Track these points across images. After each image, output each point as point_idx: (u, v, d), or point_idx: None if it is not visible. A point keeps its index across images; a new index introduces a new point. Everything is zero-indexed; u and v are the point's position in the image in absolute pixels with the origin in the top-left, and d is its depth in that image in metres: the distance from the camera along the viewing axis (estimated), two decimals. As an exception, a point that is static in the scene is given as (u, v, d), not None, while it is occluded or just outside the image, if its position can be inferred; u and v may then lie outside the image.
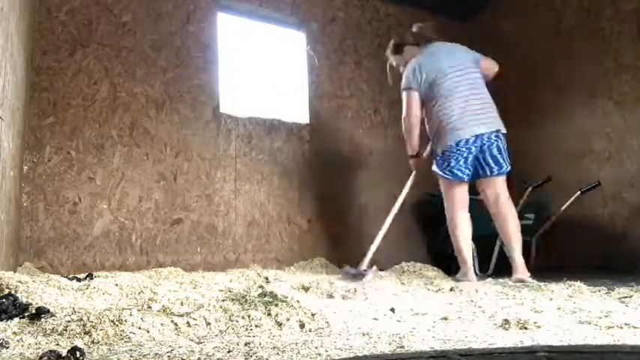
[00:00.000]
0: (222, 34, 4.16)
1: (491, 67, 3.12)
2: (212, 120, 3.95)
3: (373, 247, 3.23)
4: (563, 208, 3.89)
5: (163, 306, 1.64)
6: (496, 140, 2.90)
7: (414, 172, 3.32)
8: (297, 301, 1.50)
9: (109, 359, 1.05)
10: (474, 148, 2.89)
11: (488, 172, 2.95)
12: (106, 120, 3.54)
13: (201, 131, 3.89)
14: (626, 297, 1.99)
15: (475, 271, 3.87)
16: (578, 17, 4.36)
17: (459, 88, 2.93)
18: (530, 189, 3.79)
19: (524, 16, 4.90)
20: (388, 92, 4.90)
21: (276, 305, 1.46)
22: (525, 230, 3.95)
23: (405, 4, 5.13)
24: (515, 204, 3.77)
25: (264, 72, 4.51)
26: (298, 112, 4.47)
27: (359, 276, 2.87)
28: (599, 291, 2.27)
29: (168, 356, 1.06)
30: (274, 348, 1.13)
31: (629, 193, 3.90)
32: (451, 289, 2.43)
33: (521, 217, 3.85)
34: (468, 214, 3.05)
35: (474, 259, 3.92)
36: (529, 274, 2.83)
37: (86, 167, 3.43)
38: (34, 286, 1.73)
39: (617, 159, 4.00)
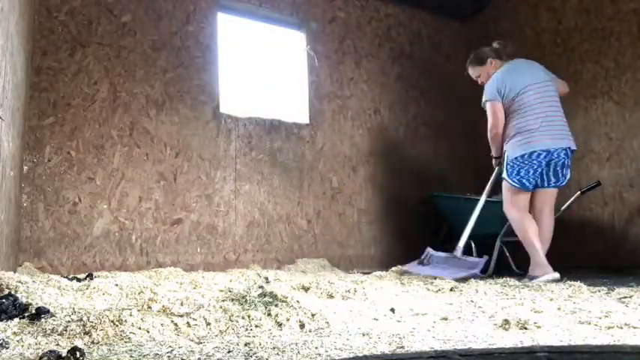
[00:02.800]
0: (222, 34, 4.16)
1: (564, 88, 3.29)
2: (212, 120, 3.95)
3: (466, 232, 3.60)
4: (563, 208, 3.88)
5: (163, 306, 1.64)
6: (564, 158, 3.06)
7: (496, 170, 3.51)
8: (297, 302, 1.50)
9: (109, 359, 1.05)
10: (544, 163, 3.05)
11: (545, 184, 3.14)
12: (106, 120, 3.54)
13: (201, 131, 3.89)
14: (626, 297, 1.99)
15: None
16: (578, 17, 4.36)
17: (538, 103, 3.10)
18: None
19: (524, 16, 4.90)
20: (388, 92, 4.91)
21: (276, 305, 1.46)
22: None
23: (405, 4, 5.13)
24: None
25: (264, 72, 4.51)
26: (298, 112, 4.47)
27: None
28: (599, 291, 2.27)
29: (168, 356, 1.06)
30: (274, 348, 1.13)
31: (629, 193, 3.90)
32: (451, 289, 2.43)
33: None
34: (530, 215, 3.17)
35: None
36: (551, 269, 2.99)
37: (86, 167, 3.43)
38: (34, 287, 1.73)
39: (617, 159, 4.00)
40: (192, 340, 1.23)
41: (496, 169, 3.51)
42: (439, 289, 2.44)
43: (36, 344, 1.16)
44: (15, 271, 2.56)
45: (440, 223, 4.57)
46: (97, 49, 3.57)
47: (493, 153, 3.40)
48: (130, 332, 1.24)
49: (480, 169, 4.98)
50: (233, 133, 4.03)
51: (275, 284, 2.55)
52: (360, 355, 1.06)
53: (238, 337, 1.26)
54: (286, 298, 1.53)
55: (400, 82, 4.99)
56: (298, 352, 1.08)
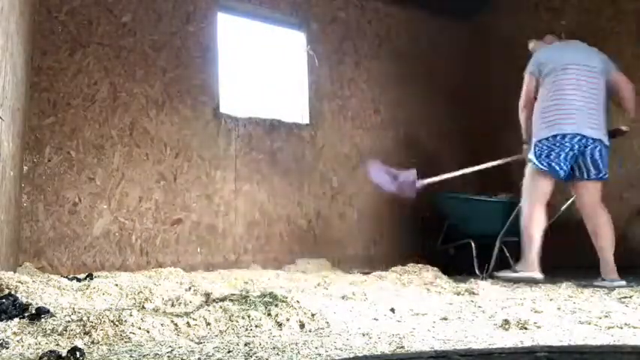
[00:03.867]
0: (222, 34, 4.16)
1: (623, 83, 3.02)
2: (212, 120, 3.94)
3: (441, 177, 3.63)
4: (563, 208, 3.88)
5: (162, 305, 1.64)
6: (600, 145, 2.87)
7: (519, 155, 3.32)
8: (297, 302, 1.51)
9: (109, 359, 1.05)
10: (576, 146, 2.84)
11: (585, 175, 2.92)
12: (106, 120, 3.54)
13: (201, 131, 3.89)
14: (626, 297, 1.99)
15: (475, 271, 3.89)
16: (578, 17, 4.36)
17: (579, 85, 2.90)
18: None
19: (524, 16, 4.89)
20: (388, 92, 4.91)
21: (276, 305, 1.46)
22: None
23: (405, 5, 5.12)
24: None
25: (264, 72, 4.50)
26: (298, 112, 4.46)
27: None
28: (599, 291, 2.27)
29: (168, 356, 1.06)
30: (274, 348, 1.13)
31: (629, 194, 3.89)
32: (453, 290, 2.43)
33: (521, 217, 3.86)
34: (545, 210, 2.98)
35: (473, 259, 3.94)
36: (618, 277, 2.80)
37: (86, 167, 3.43)
38: (34, 287, 1.73)
39: (618, 159, 3.99)
40: (192, 340, 1.23)
41: (519, 155, 3.29)
42: (439, 290, 2.44)
43: (36, 344, 1.16)
44: (15, 271, 2.55)
45: (440, 223, 4.56)
46: (97, 49, 3.57)
47: (523, 135, 3.18)
48: (130, 332, 1.24)
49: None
50: (233, 133, 4.03)
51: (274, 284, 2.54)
52: (360, 355, 1.06)
53: (238, 336, 1.26)
54: (286, 298, 1.53)
55: (400, 82, 4.99)
56: (298, 352, 1.08)
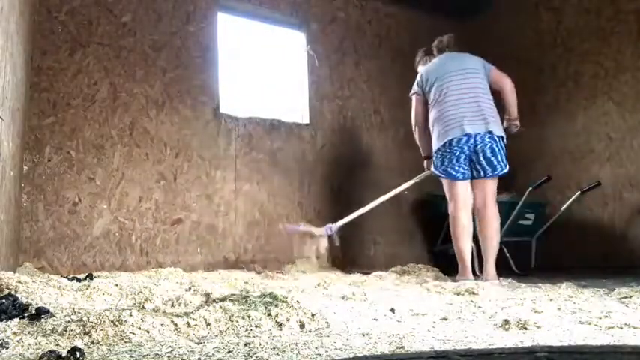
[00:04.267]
0: (222, 34, 4.16)
1: (500, 78, 3.12)
2: (212, 120, 3.94)
3: (352, 216, 3.53)
4: (563, 208, 3.89)
5: (162, 305, 1.64)
6: (490, 142, 2.93)
7: (425, 172, 3.44)
8: (297, 302, 1.50)
9: (109, 359, 1.05)
10: (466, 148, 2.93)
11: (482, 174, 3.00)
12: (106, 120, 3.54)
13: (201, 131, 3.89)
14: (626, 297, 1.99)
15: (475, 271, 3.88)
16: (578, 17, 4.36)
17: (456, 90, 3.01)
18: (529, 189, 3.79)
19: (524, 16, 4.89)
20: (388, 92, 4.90)
21: (276, 305, 1.46)
22: (525, 230, 3.97)
23: (405, 5, 5.12)
24: (514, 205, 3.77)
25: (264, 72, 4.50)
26: (298, 112, 4.46)
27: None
28: (599, 291, 2.27)
29: (168, 356, 1.06)
30: (274, 348, 1.13)
31: (629, 193, 3.90)
32: (452, 290, 2.42)
33: (521, 217, 3.87)
34: (471, 215, 3.04)
35: (473, 259, 3.93)
36: (495, 278, 2.91)
37: (86, 167, 3.43)
38: (34, 287, 1.73)
39: (617, 159, 4.00)
40: (192, 340, 1.23)
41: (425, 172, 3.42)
42: (439, 290, 2.44)
43: (36, 344, 1.16)
44: (15, 271, 2.55)
45: (440, 223, 4.56)
46: (97, 49, 3.57)
47: (422, 152, 3.37)
48: (130, 332, 1.24)
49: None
50: (233, 133, 4.03)
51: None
52: (360, 355, 1.06)
53: (238, 336, 1.26)
54: (286, 298, 1.53)
55: (400, 82, 4.97)
56: (298, 352, 1.08)
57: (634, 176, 3.86)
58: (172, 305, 1.72)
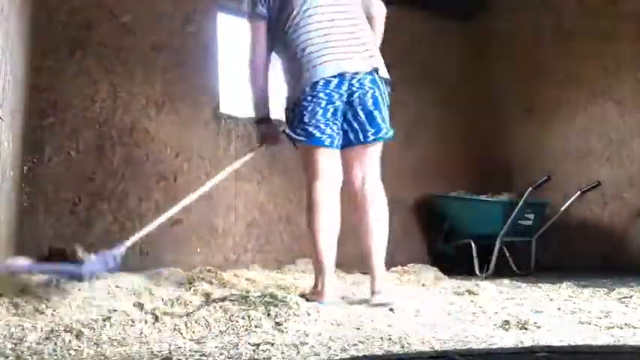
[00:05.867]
0: (222, 35, 4.16)
1: (377, 4, 2.24)
2: (212, 120, 3.94)
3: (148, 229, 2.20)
4: (563, 208, 3.89)
5: (162, 306, 1.64)
6: (372, 87, 1.99)
7: (258, 147, 2.38)
8: (297, 302, 1.51)
9: (108, 359, 1.05)
10: (336, 96, 1.95)
11: (361, 137, 2.03)
12: (106, 120, 3.53)
13: (201, 131, 3.89)
14: (626, 297, 1.99)
15: (475, 271, 3.89)
16: (578, 17, 4.36)
17: (321, 12, 2.02)
18: (530, 189, 3.79)
19: (524, 16, 4.89)
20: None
21: (276, 306, 1.46)
22: (525, 230, 3.97)
23: (405, 5, 5.12)
24: (515, 204, 3.76)
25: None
26: (298, 112, 4.45)
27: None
28: (599, 291, 2.27)
29: (168, 357, 1.06)
30: (274, 348, 1.13)
31: (629, 193, 3.89)
32: (453, 290, 2.43)
33: (521, 217, 3.87)
34: (338, 199, 2.07)
35: (473, 259, 3.93)
36: (388, 288, 2.08)
37: (86, 167, 3.42)
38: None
39: (617, 159, 3.99)
40: (192, 340, 1.23)
41: (257, 147, 2.38)
42: (439, 290, 2.44)
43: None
44: (15, 271, 2.55)
45: (440, 223, 4.56)
46: (97, 49, 3.56)
47: (252, 109, 2.28)
48: (130, 332, 1.24)
49: (480, 169, 4.99)
50: (233, 133, 4.03)
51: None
52: (360, 355, 1.06)
53: (238, 337, 1.26)
54: (286, 298, 1.53)
55: (400, 82, 4.96)
56: (298, 352, 1.08)
57: (634, 176, 3.86)
58: (172, 305, 1.72)
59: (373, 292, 1.96)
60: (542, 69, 4.63)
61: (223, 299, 1.59)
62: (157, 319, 1.35)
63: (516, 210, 3.75)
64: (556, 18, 4.56)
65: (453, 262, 4.25)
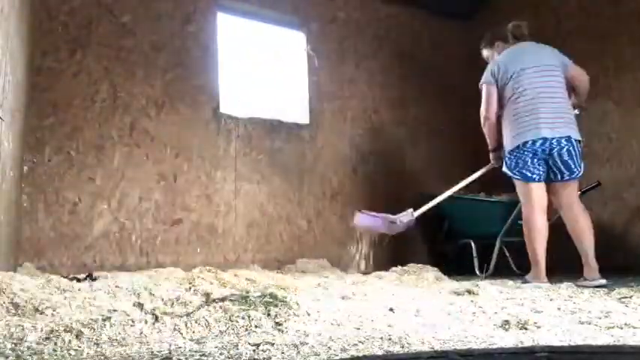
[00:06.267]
0: (222, 35, 4.16)
1: (580, 75, 3.06)
2: (212, 120, 3.94)
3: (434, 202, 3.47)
4: (563, 208, 3.88)
5: (162, 306, 1.64)
6: (567, 145, 2.83)
7: (490, 164, 3.32)
8: (297, 302, 1.51)
9: (109, 359, 1.05)
10: (540, 151, 2.84)
11: (559, 177, 2.91)
12: (106, 120, 3.54)
13: (201, 131, 3.89)
14: (626, 297, 1.99)
15: (475, 271, 3.89)
16: (578, 17, 4.36)
17: (534, 87, 2.88)
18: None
19: (524, 17, 4.88)
20: (388, 92, 4.90)
21: (276, 306, 1.46)
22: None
23: (405, 5, 5.12)
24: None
25: (264, 72, 4.50)
26: (298, 112, 4.46)
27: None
28: (599, 291, 2.27)
29: (168, 356, 1.06)
30: (274, 348, 1.13)
31: (629, 194, 3.89)
32: (452, 290, 2.42)
33: (521, 217, 3.86)
34: (546, 218, 2.96)
35: (473, 259, 3.94)
36: (599, 276, 2.77)
37: (86, 167, 3.43)
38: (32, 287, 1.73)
39: (617, 159, 3.99)
40: (192, 340, 1.23)
41: (490, 164, 3.30)
42: (440, 290, 2.44)
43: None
44: (15, 272, 2.55)
45: (440, 223, 4.56)
46: (97, 49, 3.57)
47: (489, 144, 3.19)
48: (130, 332, 1.24)
49: (479, 169, 4.98)
50: (233, 133, 4.03)
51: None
52: (360, 355, 1.06)
53: (238, 337, 1.26)
54: (286, 298, 1.53)
55: (400, 82, 4.99)
56: (298, 352, 1.08)
57: (634, 176, 3.86)
58: (172, 305, 1.72)
59: (585, 278, 2.79)
60: (542, 69, 4.61)
61: (223, 299, 1.58)
62: (156, 319, 1.35)
63: (516, 210, 3.75)
64: (556, 18, 4.56)
65: (453, 262, 4.25)
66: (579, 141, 2.90)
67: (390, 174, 4.75)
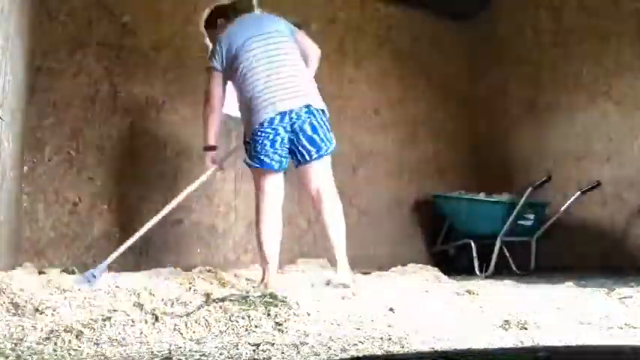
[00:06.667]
0: (222, 34, 4.15)
1: (310, 45, 2.74)
2: (212, 120, 3.93)
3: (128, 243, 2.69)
4: (563, 208, 3.89)
5: (162, 306, 1.64)
6: (309, 117, 2.43)
7: (208, 172, 2.78)
8: (297, 302, 1.51)
9: (109, 359, 1.05)
10: (281, 129, 2.40)
11: (306, 157, 2.49)
12: (106, 120, 3.54)
13: (201, 131, 3.87)
14: (626, 297, 1.99)
15: (475, 271, 3.89)
16: (578, 17, 4.36)
17: (262, 59, 2.47)
18: (530, 189, 3.79)
19: (524, 16, 4.89)
20: (388, 92, 4.90)
21: (276, 306, 1.46)
22: (525, 230, 3.97)
23: (405, 5, 5.12)
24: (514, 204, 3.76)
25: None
26: (298, 112, 4.45)
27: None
28: (599, 291, 2.27)
29: (168, 356, 1.06)
30: (274, 348, 1.13)
31: (629, 194, 3.89)
32: (452, 290, 2.42)
33: (521, 217, 3.87)
34: (280, 214, 2.59)
35: (473, 259, 3.94)
36: (352, 278, 2.51)
37: (86, 167, 3.43)
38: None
39: (617, 159, 3.99)
40: (192, 340, 1.23)
41: (207, 172, 2.77)
42: (440, 290, 2.44)
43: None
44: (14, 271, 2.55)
45: (440, 223, 4.57)
46: (97, 49, 3.57)
47: (204, 141, 2.79)
48: (130, 332, 1.24)
49: (480, 169, 4.99)
50: (233, 133, 4.02)
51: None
52: (360, 355, 1.06)
53: (238, 337, 1.26)
54: (286, 298, 1.53)
55: (400, 82, 4.98)
56: (298, 352, 1.08)
57: (634, 176, 3.86)
58: (172, 305, 1.72)
59: (330, 281, 2.44)
60: (542, 69, 4.63)
61: (223, 299, 1.58)
62: (156, 319, 1.35)
63: (516, 210, 3.76)
64: (556, 18, 4.56)
65: (453, 262, 4.26)
66: (322, 110, 2.52)
67: (390, 174, 4.74)
